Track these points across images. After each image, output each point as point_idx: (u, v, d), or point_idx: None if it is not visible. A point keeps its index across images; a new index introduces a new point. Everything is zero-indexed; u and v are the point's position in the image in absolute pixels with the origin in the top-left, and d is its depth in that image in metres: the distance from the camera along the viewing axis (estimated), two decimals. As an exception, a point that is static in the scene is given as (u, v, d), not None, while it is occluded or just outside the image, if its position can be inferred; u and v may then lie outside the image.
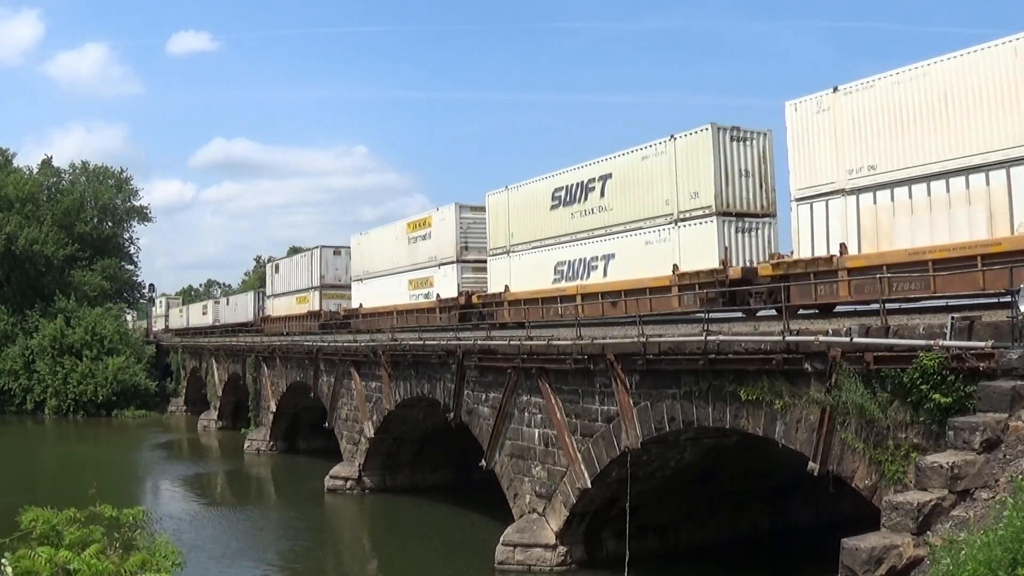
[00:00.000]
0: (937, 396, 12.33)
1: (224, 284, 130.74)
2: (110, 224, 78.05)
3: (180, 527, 26.16)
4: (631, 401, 18.49)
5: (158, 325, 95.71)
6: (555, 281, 27.34)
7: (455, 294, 33.60)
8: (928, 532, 9.68)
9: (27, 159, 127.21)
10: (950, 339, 12.27)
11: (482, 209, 32.97)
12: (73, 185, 76.38)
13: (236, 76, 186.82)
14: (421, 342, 28.08)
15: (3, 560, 6.26)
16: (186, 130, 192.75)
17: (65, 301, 65.98)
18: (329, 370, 35.97)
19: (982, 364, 11.75)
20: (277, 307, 55.34)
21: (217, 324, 71.32)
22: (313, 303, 48.71)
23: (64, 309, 65.43)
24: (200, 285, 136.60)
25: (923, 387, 12.52)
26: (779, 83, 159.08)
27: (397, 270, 38.89)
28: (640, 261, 23.63)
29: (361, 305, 42.27)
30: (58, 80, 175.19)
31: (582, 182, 26.29)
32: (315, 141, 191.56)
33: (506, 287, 29.95)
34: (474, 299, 32.30)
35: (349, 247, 46.10)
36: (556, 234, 27.44)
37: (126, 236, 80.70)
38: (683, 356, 17.03)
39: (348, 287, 45.74)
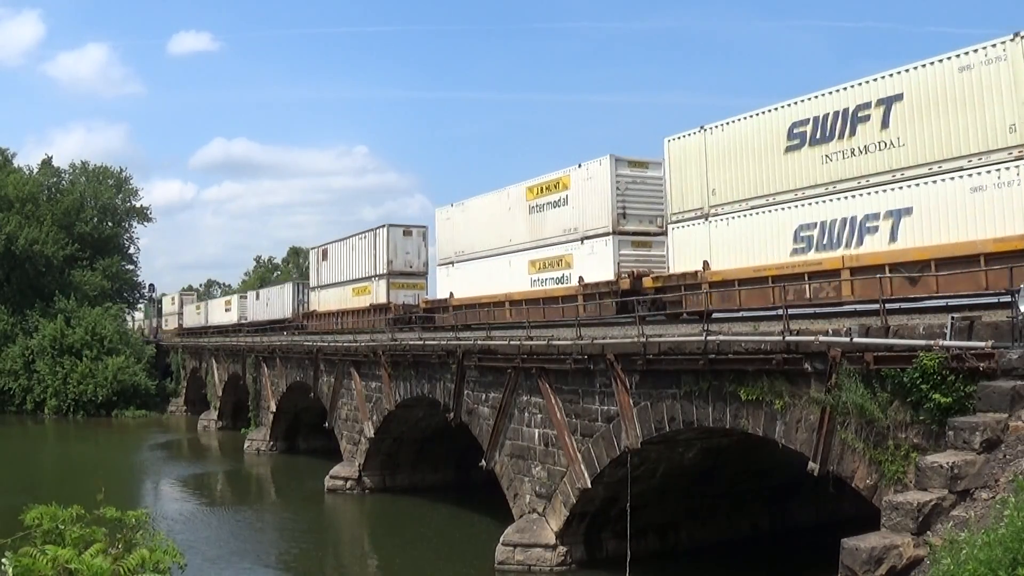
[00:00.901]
0: (937, 396, 12.34)
1: (224, 284, 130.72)
2: (110, 224, 78.00)
3: (180, 527, 26.17)
4: (631, 401, 18.50)
5: (170, 324, 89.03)
6: (797, 252, 19.67)
7: (610, 276, 25.49)
8: (928, 532, 9.68)
9: (28, 159, 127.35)
10: (950, 339, 12.29)
11: (643, 164, 26.17)
12: (73, 185, 76.32)
13: (237, 76, 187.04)
14: (421, 342, 28.09)
15: (3, 560, 6.26)
16: (187, 130, 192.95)
17: (65, 301, 65.95)
18: (329, 370, 35.97)
19: (982, 364, 11.76)
20: (326, 300, 46.91)
21: (244, 322, 63.71)
22: (378, 294, 40.47)
23: (64, 309, 65.40)
24: (200, 285, 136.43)
25: (923, 387, 12.54)
26: (779, 83, 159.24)
27: (510, 248, 30.61)
28: (961, 216, 16.46)
29: (452, 295, 34.36)
30: (59, 80, 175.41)
31: (846, 110, 18.75)
32: (316, 141, 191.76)
33: (705, 264, 21.96)
34: (646, 282, 24.19)
35: (419, 227, 39.96)
36: (798, 186, 19.75)
37: (126, 236, 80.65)
38: (683, 356, 17.04)
39: (421, 274, 40.32)
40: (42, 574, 6.15)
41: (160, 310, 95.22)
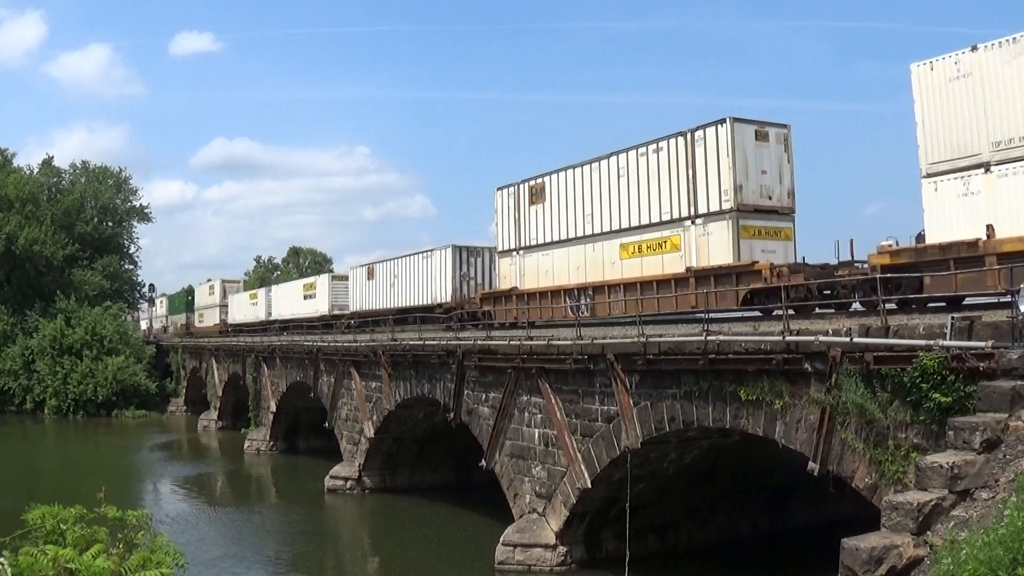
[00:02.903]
0: (937, 396, 12.34)
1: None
2: (110, 224, 77.98)
3: (180, 527, 26.17)
4: (631, 401, 18.50)
5: (206, 320, 74.86)
6: None
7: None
8: (928, 532, 9.69)
9: (29, 159, 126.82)
10: (950, 339, 12.29)
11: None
12: (73, 185, 76.30)
13: (239, 76, 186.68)
14: (421, 342, 28.10)
15: (1, 559, 6.26)
16: (188, 130, 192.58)
17: (65, 301, 65.93)
18: (329, 370, 35.98)
19: (982, 364, 11.76)
20: (542, 268, 30.00)
21: (345, 312, 47.41)
22: (700, 249, 23.62)
23: (64, 309, 65.38)
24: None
25: (923, 387, 12.54)
26: (779, 83, 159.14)
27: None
28: None
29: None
30: (61, 81, 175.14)
31: None
32: (317, 142, 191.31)
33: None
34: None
35: (780, 126, 23.38)
36: None
37: (126, 236, 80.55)
38: (683, 356, 17.04)
39: (786, 213, 23.44)
40: (43, 574, 6.15)
41: (190, 303, 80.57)
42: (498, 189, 32.40)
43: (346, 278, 50.55)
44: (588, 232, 27.54)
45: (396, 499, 31.12)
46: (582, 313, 25.97)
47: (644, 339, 17.88)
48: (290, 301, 57.10)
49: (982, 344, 11.91)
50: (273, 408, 43.66)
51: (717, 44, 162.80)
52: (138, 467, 42.96)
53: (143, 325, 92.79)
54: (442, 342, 26.68)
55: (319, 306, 52.30)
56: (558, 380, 20.88)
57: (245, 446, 44.99)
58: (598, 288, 26.72)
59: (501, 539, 21.45)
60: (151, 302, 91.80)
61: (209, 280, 79.29)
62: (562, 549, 20.87)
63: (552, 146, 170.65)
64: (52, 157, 78.67)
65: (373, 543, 27.41)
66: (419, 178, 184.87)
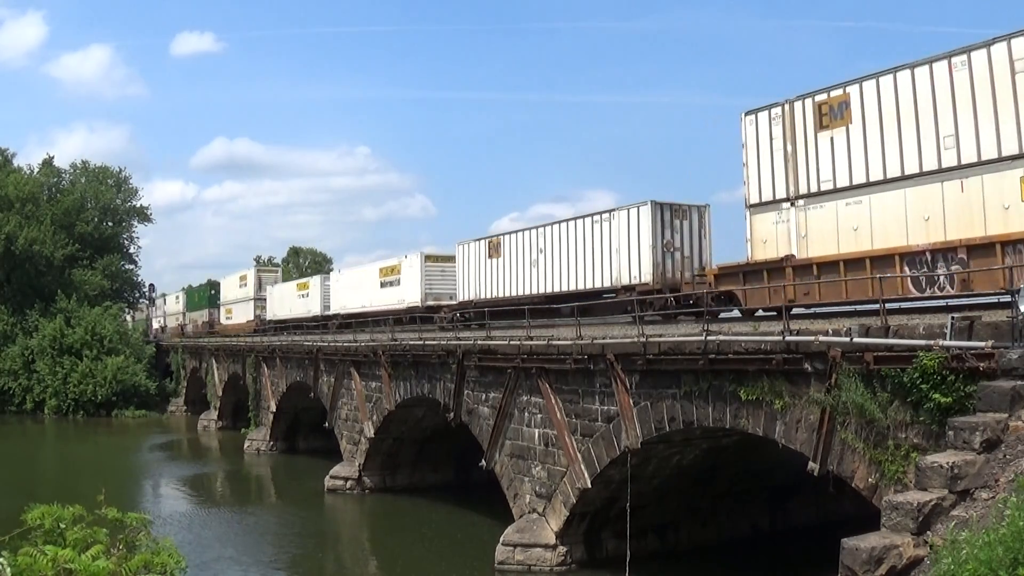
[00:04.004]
0: (937, 396, 12.35)
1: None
2: (110, 224, 77.98)
3: (180, 528, 26.18)
4: (631, 401, 18.51)
5: (236, 316, 65.18)
6: None
7: None
8: (928, 532, 9.68)
9: (30, 159, 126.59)
10: (950, 339, 12.29)
11: None
12: (73, 185, 76.31)
13: (240, 76, 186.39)
14: (421, 342, 28.10)
15: (1, 560, 6.25)
16: (188, 130, 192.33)
17: (65, 301, 65.96)
18: (329, 370, 35.99)
19: (982, 364, 11.77)
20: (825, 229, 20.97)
21: (450, 304, 37.01)
22: None
23: (64, 309, 65.41)
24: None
25: (923, 387, 12.55)
26: (779, 83, 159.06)
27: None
28: None
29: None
30: (62, 81, 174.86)
31: None
32: (318, 142, 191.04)
33: None
34: None
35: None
36: None
37: (126, 236, 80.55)
38: (683, 356, 17.05)
39: None
40: (43, 574, 6.15)
41: (214, 297, 71.80)
42: (746, 114, 21.95)
43: (448, 259, 38.92)
44: (951, 163, 17.29)
45: (396, 499, 31.11)
46: (940, 288, 17.39)
47: (644, 339, 17.88)
48: (360, 291, 45.43)
49: (982, 344, 11.91)
50: (273, 408, 43.66)
51: (717, 44, 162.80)
52: (138, 467, 42.96)
53: (155, 324, 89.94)
54: (442, 342, 26.69)
55: (405, 295, 40.65)
56: (558, 380, 20.88)
57: (245, 446, 44.99)
58: (976, 248, 16.80)
59: (501, 539, 21.45)
60: (155, 300, 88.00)
61: (241, 272, 67.94)
62: (562, 549, 20.87)
63: (553, 146, 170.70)
64: (52, 157, 78.76)
65: (373, 543, 27.41)
66: (419, 178, 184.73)
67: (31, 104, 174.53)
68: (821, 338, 14.35)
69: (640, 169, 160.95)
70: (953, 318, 12.61)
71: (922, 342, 12.68)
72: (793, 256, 20.51)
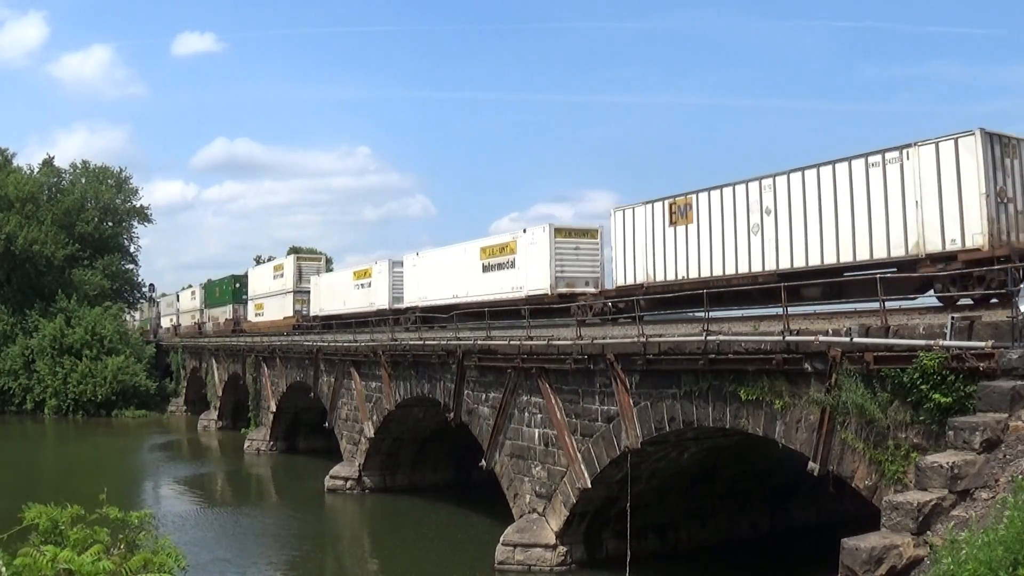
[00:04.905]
0: (937, 396, 12.35)
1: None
2: (110, 224, 77.94)
3: (180, 528, 26.17)
4: (631, 401, 18.50)
5: (272, 310, 56.48)
6: None
7: None
8: (928, 532, 9.68)
9: (31, 159, 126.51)
10: (950, 339, 12.29)
11: None
12: (73, 185, 76.25)
13: (241, 77, 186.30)
14: (421, 342, 28.10)
15: (-1, 559, 6.25)
16: (189, 130, 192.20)
17: (65, 301, 65.94)
18: (329, 370, 35.98)
19: (982, 364, 11.76)
20: None
21: (594, 291, 29.32)
22: None
23: (64, 309, 65.40)
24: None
25: (923, 387, 12.54)
26: (779, 83, 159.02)
27: None
28: None
29: None
30: (63, 81, 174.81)
31: None
32: (318, 142, 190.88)
33: None
34: None
35: None
36: None
37: (126, 236, 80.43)
38: (683, 356, 17.04)
39: None
40: (42, 574, 6.15)
41: (239, 291, 63.70)
42: None
43: (586, 233, 30.96)
44: None
45: (396, 499, 31.11)
46: None
47: (644, 339, 17.87)
48: (450, 277, 35.90)
49: (982, 344, 11.91)
50: (273, 408, 43.64)
51: (717, 44, 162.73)
52: (138, 467, 42.97)
53: (165, 323, 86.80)
54: (442, 342, 26.68)
55: (524, 280, 31.32)
56: (558, 380, 20.87)
57: (245, 446, 44.99)
58: None
59: (501, 539, 21.45)
60: (164, 297, 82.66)
61: (275, 261, 60.45)
62: (562, 549, 20.86)
63: (553, 146, 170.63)
64: (53, 157, 78.67)
65: (373, 543, 27.40)
66: (419, 178, 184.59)
67: (32, 104, 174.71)
68: (821, 338, 14.34)
69: (640, 169, 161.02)
70: (953, 318, 12.61)
71: (922, 342, 12.68)
72: None
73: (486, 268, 33.86)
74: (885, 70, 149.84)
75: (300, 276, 54.16)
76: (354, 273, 46.80)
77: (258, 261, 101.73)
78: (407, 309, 39.21)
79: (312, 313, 50.24)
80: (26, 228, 66.11)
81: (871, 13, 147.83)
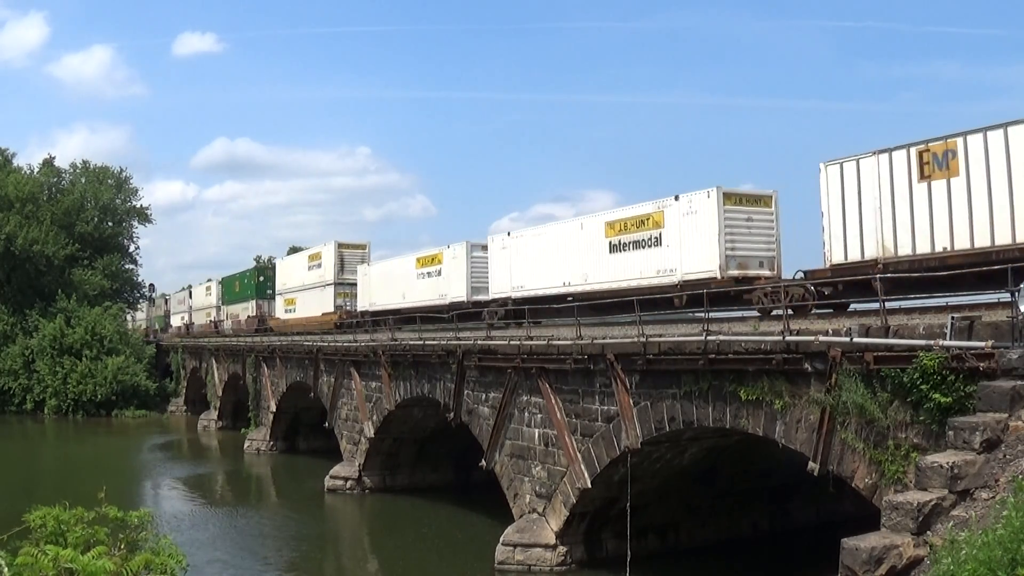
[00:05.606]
0: (937, 396, 12.34)
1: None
2: (110, 224, 77.91)
3: (180, 528, 26.13)
4: (631, 401, 18.51)
5: (307, 306, 49.42)
6: None
7: None
8: (928, 532, 9.69)
9: (31, 159, 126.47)
10: (950, 339, 12.29)
11: None
12: (73, 185, 76.21)
13: (241, 77, 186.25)
14: (421, 342, 28.10)
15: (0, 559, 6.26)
16: (189, 130, 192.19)
17: (65, 301, 65.92)
18: (329, 370, 35.98)
19: (982, 364, 11.76)
20: None
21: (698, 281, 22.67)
22: None
23: (64, 309, 65.37)
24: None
25: (923, 387, 12.54)
26: (779, 83, 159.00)
27: None
28: None
29: None
30: (64, 81, 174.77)
31: None
32: (319, 142, 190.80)
33: None
34: None
35: None
36: None
37: (126, 236, 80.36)
38: (683, 356, 17.04)
39: None
40: (44, 574, 6.16)
41: (264, 285, 57.90)
42: None
43: (758, 200, 24.02)
44: None
45: (396, 499, 31.11)
46: None
47: (644, 339, 17.88)
48: (554, 261, 29.41)
49: (982, 344, 11.91)
50: (273, 408, 43.63)
51: (717, 44, 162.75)
52: (138, 467, 42.94)
53: (176, 321, 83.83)
54: (442, 342, 26.69)
55: (675, 260, 24.37)
56: (558, 380, 20.88)
57: (245, 446, 44.99)
58: None
59: (501, 539, 21.45)
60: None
61: (310, 250, 52.27)
62: (562, 549, 20.87)
63: (553, 146, 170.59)
64: (53, 157, 78.65)
65: (373, 543, 27.41)
66: (419, 178, 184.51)
67: (32, 104, 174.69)
68: (821, 338, 14.35)
69: (640, 169, 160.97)
70: (953, 318, 12.61)
71: (922, 342, 12.69)
72: None
73: (614, 248, 26.57)
74: (886, 70, 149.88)
75: (343, 266, 46.60)
76: (418, 260, 39.14)
77: (258, 261, 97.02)
78: (492, 301, 32.72)
79: (360, 308, 43.36)
80: (26, 228, 66.08)
81: (871, 13, 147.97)
